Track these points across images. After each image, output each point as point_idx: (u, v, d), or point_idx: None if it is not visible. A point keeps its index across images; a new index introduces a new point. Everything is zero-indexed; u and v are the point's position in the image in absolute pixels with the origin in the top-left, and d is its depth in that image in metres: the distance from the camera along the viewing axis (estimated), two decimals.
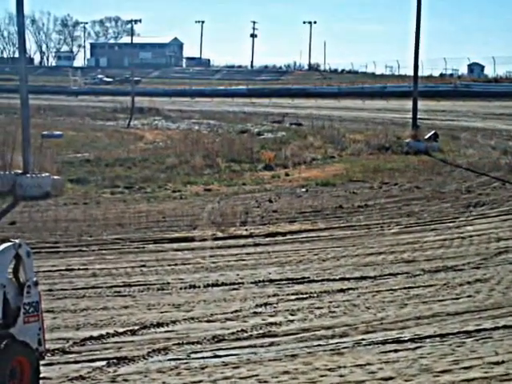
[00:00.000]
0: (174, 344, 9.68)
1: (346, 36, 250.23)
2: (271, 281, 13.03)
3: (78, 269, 13.87)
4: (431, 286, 12.63)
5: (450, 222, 18.36)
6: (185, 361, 9.16)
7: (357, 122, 50.84)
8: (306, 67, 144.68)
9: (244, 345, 9.77)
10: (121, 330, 10.23)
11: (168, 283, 12.85)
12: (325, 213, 19.61)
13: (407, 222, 18.35)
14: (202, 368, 8.92)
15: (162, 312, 11.16)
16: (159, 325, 10.50)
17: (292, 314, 11.04)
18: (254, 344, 9.79)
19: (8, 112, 49.66)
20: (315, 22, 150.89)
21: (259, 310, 11.29)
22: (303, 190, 23.33)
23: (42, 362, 7.85)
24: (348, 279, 13.11)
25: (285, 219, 18.75)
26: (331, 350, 9.54)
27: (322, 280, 13.06)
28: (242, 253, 15.34)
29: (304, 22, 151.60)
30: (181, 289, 12.51)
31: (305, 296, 12.03)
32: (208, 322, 10.71)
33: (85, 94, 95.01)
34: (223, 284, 12.77)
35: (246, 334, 10.15)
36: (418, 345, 9.65)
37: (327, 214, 19.52)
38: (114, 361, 9.05)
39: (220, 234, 17.03)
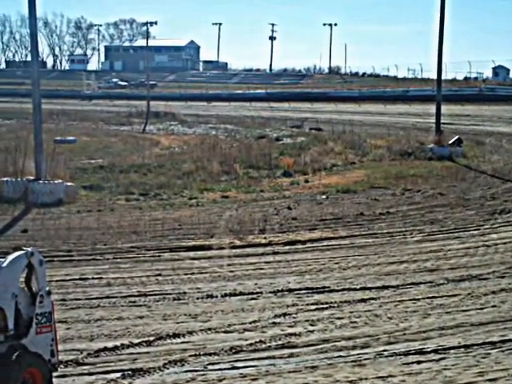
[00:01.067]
0: (190, 355, 9.49)
1: (367, 38, 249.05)
2: (290, 290, 12.82)
3: (92, 278, 13.69)
4: (455, 295, 12.39)
5: (474, 230, 18.09)
6: (202, 372, 8.98)
7: (378, 127, 50.56)
8: (327, 70, 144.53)
9: (262, 356, 9.57)
10: (136, 340, 10.05)
11: (184, 293, 12.65)
12: (346, 220, 19.37)
13: (430, 230, 18.08)
14: (220, 380, 8.75)
15: (178, 322, 10.97)
16: (175, 335, 10.31)
17: (312, 325, 10.84)
18: (272, 355, 9.58)
19: (20, 117, 49.83)
20: (336, 24, 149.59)
21: (278, 320, 11.08)
22: (323, 196, 23.10)
23: (54, 374, 7.71)
24: (369, 289, 12.89)
25: (304, 227, 18.52)
26: (352, 361, 9.34)
27: (343, 289, 12.85)
28: (261, 261, 15.14)
29: (324, 24, 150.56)
30: (197, 298, 12.31)
31: (325, 306, 11.83)
32: (225, 332, 10.53)
33: (99, 99, 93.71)
34: (241, 294, 12.57)
35: (264, 345, 9.95)
36: (442, 356, 9.44)
37: (348, 221, 19.27)
38: (129, 372, 8.88)
39: (238, 243, 16.81)
